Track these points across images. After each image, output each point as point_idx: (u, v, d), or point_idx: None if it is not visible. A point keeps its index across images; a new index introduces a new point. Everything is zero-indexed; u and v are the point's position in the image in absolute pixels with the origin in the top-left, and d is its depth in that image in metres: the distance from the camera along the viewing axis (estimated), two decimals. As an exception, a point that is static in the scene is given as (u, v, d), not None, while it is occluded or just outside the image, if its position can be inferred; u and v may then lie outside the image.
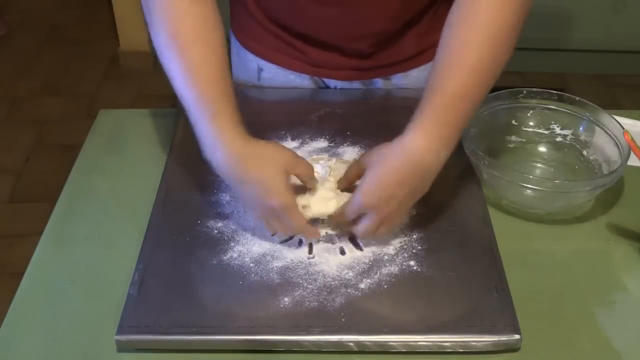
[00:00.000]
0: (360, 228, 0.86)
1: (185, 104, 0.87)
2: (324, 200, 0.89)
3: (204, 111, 0.85)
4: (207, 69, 0.87)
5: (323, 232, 0.89)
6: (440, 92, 0.85)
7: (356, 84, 1.18)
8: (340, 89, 1.18)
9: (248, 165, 0.84)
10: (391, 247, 0.87)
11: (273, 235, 0.89)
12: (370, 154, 0.88)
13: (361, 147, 1.03)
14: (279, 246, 0.87)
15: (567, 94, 1.04)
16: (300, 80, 1.18)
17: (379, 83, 1.18)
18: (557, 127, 1.05)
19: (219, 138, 0.84)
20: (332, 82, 1.19)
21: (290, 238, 0.88)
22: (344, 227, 0.90)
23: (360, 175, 0.87)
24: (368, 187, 0.85)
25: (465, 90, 0.85)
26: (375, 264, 0.85)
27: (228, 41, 1.22)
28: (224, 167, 0.85)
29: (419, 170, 0.84)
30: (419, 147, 0.84)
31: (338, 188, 0.91)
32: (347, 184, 0.91)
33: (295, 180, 0.88)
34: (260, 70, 1.18)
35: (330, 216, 0.89)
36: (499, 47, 0.85)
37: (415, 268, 0.85)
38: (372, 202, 0.84)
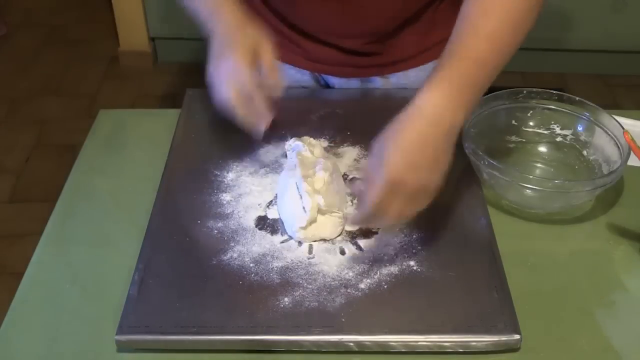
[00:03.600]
0: (390, 213, 0.77)
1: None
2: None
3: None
4: None
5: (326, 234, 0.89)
6: (458, 57, 0.83)
7: (354, 82, 1.18)
8: (341, 88, 1.18)
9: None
10: (391, 247, 0.87)
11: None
12: (381, 136, 0.81)
13: (361, 147, 1.03)
14: (279, 246, 0.87)
15: (567, 94, 1.04)
16: (300, 76, 1.18)
17: (378, 82, 1.18)
18: (557, 127, 1.05)
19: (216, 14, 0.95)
20: (331, 79, 1.19)
21: (290, 238, 0.89)
22: (365, 222, 0.82)
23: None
24: (392, 156, 0.77)
25: (483, 57, 0.84)
26: (375, 264, 0.85)
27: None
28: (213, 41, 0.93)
29: (440, 129, 0.79)
30: (436, 105, 0.80)
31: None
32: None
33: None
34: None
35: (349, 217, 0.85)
36: (519, 17, 0.86)
37: (415, 268, 0.85)
38: (399, 174, 0.76)
